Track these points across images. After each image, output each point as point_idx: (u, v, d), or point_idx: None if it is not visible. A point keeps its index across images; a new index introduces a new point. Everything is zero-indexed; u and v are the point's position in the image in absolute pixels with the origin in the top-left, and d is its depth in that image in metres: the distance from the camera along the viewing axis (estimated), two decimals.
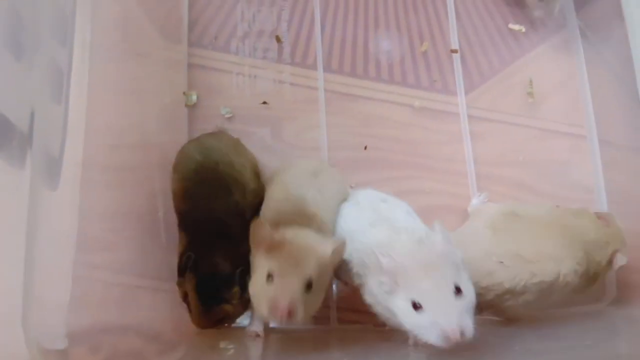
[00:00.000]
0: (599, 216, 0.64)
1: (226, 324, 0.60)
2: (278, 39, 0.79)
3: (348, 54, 0.80)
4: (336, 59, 0.79)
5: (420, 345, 0.48)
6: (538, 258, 0.58)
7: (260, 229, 0.52)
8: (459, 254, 0.50)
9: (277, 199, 0.59)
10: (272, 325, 0.63)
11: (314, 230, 0.54)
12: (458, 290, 0.47)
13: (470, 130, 0.76)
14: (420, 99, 0.78)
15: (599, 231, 0.61)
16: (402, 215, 0.57)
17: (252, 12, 0.79)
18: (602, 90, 0.76)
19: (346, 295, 0.66)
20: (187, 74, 0.76)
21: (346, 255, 0.55)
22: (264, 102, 0.76)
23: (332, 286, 0.66)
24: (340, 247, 0.53)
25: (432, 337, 0.45)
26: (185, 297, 0.57)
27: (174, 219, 0.62)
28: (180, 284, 0.57)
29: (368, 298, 0.54)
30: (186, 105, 0.74)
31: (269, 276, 0.50)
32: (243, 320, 0.62)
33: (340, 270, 0.57)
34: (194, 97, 0.74)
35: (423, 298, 0.46)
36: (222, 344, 0.56)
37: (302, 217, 0.55)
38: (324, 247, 0.51)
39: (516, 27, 0.82)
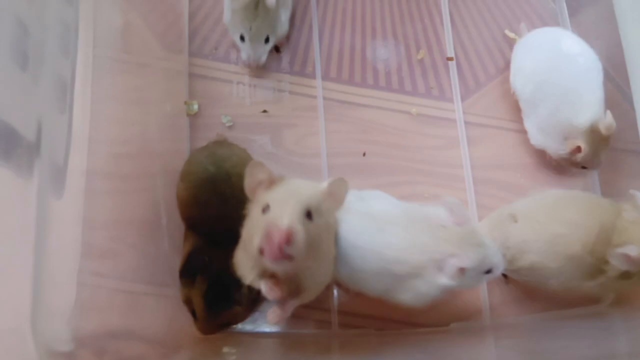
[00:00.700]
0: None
1: (232, 325, 0.60)
2: (277, 49, 0.80)
3: (346, 63, 0.81)
4: (334, 67, 0.80)
5: None
6: (549, 221, 0.60)
7: (258, 169, 0.48)
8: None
9: None
10: (274, 329, 0.64)
11: None
12: None
13: (467, 136, 0.77)
14: (417, 105, 0.79)
15: (620, 218, 0.59)
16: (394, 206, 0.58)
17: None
18: None
19: (347, 300, 0.67)
20: (188, 83, 0.77)
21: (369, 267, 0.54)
22: (264, 111, 0.77)
23: (333, 290, 0.67)
24: (338, 183, 0.49)
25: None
26: (187, 301, 0.57)
27: (176, 225, 0.63)
28: (184, 285, 0.57)
29: None
30: (187, 114, 0.75)
31: (265, 209, 0.44)
32: (245, 325, 0.63)
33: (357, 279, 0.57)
34: (195, 106, 0.75)
35: None
36: (225, 349, 0.56)
37: None
38: (321, 184, 0.50)
39: (511, 34, 0.83)
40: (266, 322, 0.58)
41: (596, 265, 0.59)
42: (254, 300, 0.54)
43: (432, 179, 0.75)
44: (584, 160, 0.69)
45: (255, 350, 0.59)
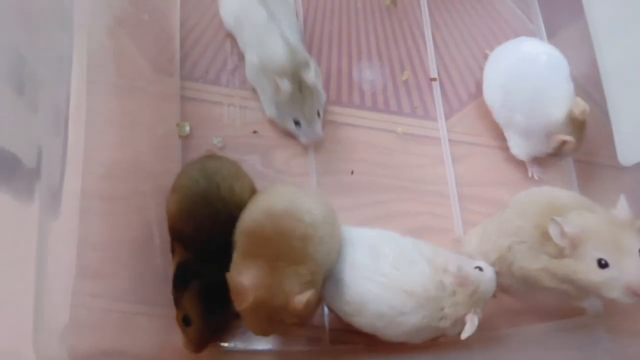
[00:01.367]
0: None
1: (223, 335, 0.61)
2: None
3: (333, 84, 0.83)
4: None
5: None
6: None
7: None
8: None
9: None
10: (265, 347, 0.65)
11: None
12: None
13: (451, 153, 0.79)
14: (402, 124, 0.81)
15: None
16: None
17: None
18: None
19: (338, 316, 0.68)
20: (180, 106, 0.78)
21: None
22: (255, 132, 0.78)
23: (324, 307, 0.68)
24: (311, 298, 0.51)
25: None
26: (182, 319, 0.57)
27: (169, 245, 0.63)
28: (177, 292, 0.58)
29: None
30: (179, 136, 0.76)
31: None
32: (237, 343, 0.63)
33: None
34: (187, 128, 0.77)
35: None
36: None
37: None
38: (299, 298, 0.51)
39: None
40: (259, 339, 0.59)
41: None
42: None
43: (418, 196, 0.77)
44: (572, 149, 0.70)
45: None
